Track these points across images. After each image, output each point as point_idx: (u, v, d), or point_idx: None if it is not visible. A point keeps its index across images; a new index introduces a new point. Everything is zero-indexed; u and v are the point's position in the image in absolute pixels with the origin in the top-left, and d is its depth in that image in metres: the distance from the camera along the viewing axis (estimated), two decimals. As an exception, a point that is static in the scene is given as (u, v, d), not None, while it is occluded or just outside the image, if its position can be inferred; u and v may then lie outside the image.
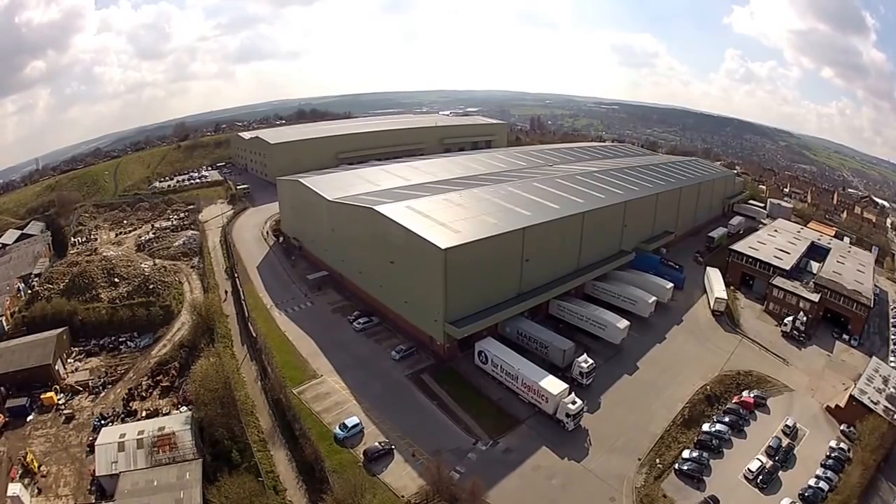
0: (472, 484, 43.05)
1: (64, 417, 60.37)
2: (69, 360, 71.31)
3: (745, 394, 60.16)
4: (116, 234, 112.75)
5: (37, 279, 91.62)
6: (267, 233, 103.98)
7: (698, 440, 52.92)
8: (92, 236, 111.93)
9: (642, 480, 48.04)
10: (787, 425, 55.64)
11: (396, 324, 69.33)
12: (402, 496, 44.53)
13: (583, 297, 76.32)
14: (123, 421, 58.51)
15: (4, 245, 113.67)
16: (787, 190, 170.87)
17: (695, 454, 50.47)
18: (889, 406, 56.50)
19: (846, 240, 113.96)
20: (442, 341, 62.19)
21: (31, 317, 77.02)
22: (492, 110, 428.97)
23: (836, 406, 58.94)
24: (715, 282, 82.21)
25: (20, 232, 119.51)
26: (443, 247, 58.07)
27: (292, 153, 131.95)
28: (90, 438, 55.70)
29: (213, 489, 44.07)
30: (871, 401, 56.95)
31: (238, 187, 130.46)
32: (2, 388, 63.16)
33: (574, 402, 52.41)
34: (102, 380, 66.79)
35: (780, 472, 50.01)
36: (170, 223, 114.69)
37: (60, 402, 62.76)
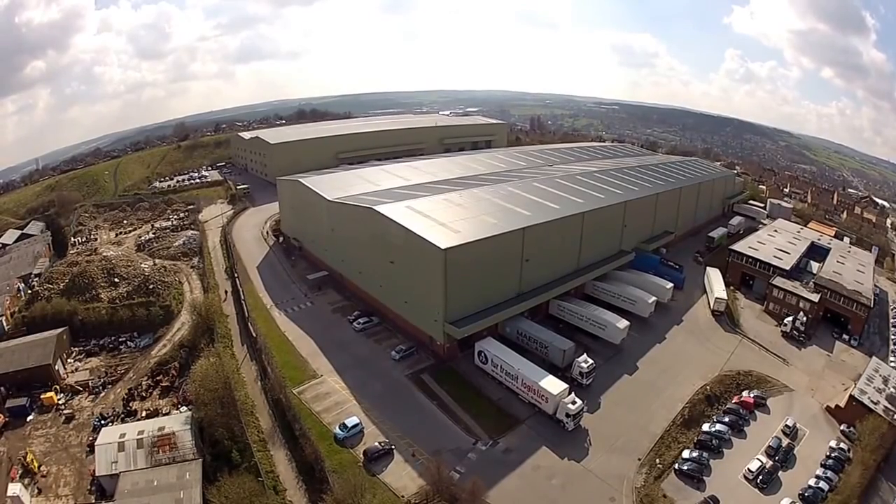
0: (472, 484, 43.03)
1: (64, 417, 60.40)
2: (69, 360, 71.34)
3: (744, 394, 60.17)
4: (116, 234, 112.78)
5: (37, 279, 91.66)
6: (267, 233, 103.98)
7: (698, 440, 52.92)
8: (92, 236, 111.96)
9: (642, 480, 48.03)
10: (787, 425, 55.65)
11: (396, 324, 69.33)
12: (402, 496, 44.52)
13: (583, 297, 76.31)
14: (123, 421, 58.52)
15: (4, 245, 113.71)
16: (787, 190, 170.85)
17: (695, 454, 50.48)
18: (889, 406, 56.49)
19: (846, 240, 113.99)
20: (442, 341, 62.18)
21: (31, 317, 77.04)
22: (492, 110, 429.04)
23: (836, 406, 58.94)
24: (715, 282, 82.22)
25: (20, 232, 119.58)
26: (443, 247, 58.07)
27: (292, 153, 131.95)
28: (90, 438, 55.72)
29: (213, 489, 44.08)
30: (871, 401, 56.94)
31: (238, 187, 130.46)
32: (2, 388, 63.19)
33: (574, 402, 52.41)
34: (102, 380, 66.81)
35: (780, 472, 50.01)
36: (170, 223, 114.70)
37: (60, 402, 62.78)
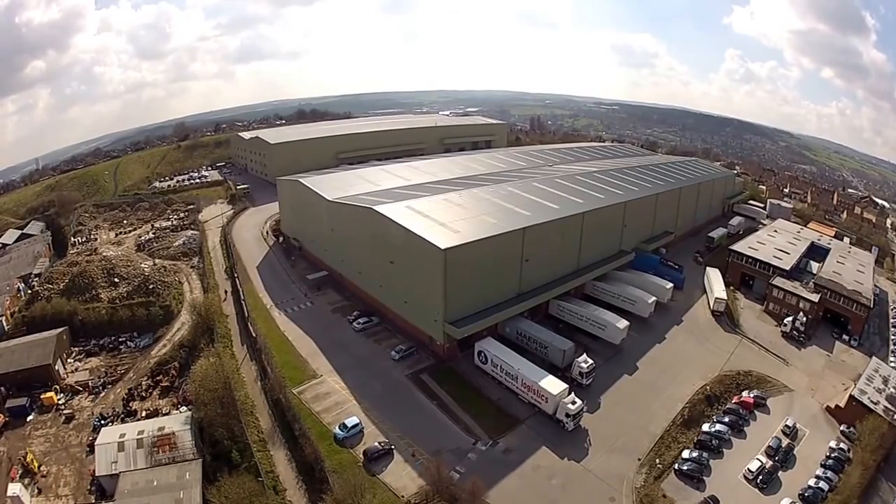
0: (471, 484, 43.04)
1: (64, 417, 60.39)
2: (69, 360, 71.34)
3: (744, 394, 60.17)
4: (116, 234, 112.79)
5: (37, 279, 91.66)
6: (267, 233, 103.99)
7: (698, 440, 52.92)
8: (92, 236, 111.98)
9: (642, 480, 48.03)
10: (786, 425, 55.65)
11: (396, 324, 69.33)
12: (402, 496, 44.52)
13: (582, 297, 76.31)
14: (123, 421, 58.52)
15: (4, 245, 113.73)
16: (786, 190, 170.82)
17: (695, 454, 50.48)
18: (889, 406, 56.50)
19: (846, 240, 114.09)
20: (442, 341, 62.18)
21: (31, 317, 77.05)
22: (492, 110, 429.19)
23: (836, 406, 58.95)
24: (715, 282, 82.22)
25: (20, 232, 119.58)
26: (442, 247, 58.07)
27: (292, 153, 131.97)
28: (90, 438, 55.71)
29: (213, 489, 44.10)
30: (871, 401, 56.95)
31: (238, 187, 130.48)
32: (2, 388, 63.19)
33: (574, 402, 52.41)
34: (102, 380, 66.81)
35: (780, 473, 50.01)
36: (170, 223, 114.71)
37: (60, 402, 62.78)
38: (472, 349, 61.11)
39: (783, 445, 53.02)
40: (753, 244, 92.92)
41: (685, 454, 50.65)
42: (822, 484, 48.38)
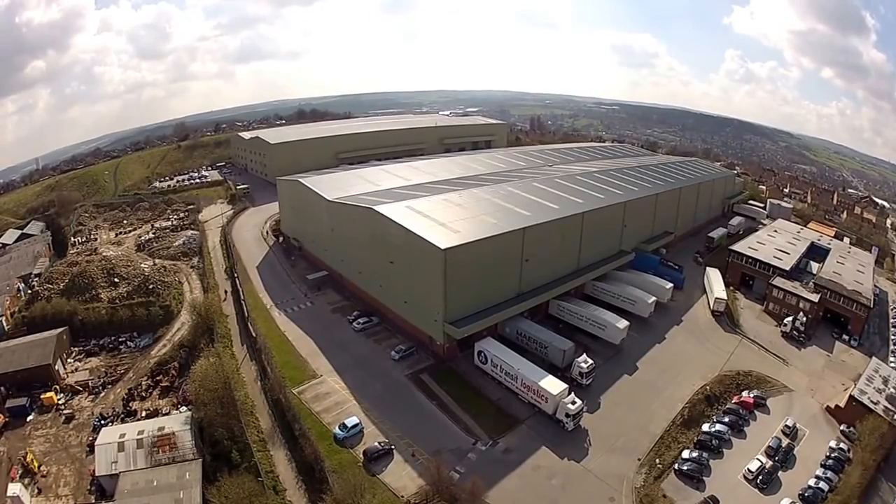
0: (471, 484, 43.04)
1: (64, 417, 60.39)
2: (69, 360, 71.33)
3: (744, 394, 60.17)
4: (116, 234, 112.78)
5: (37, 279, 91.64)
6: (267, 233, 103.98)
7: (698, 440, 52.92)
8: (92, 236, 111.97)
9: (642, 480, 48.03)
10: (786, 425, 55.65)
11: (396, 324, 69.32)
12: (402, 496, 44.52)
13: (582, 298, 76.31)
14: (123, 421, 58.52)
15: (4, 245, 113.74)
16: (786, 190, 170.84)
17: (694, 454, 50.48)
18: (889, 406, 56.50)
19: (846, 240, 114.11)
20: (441, 341, 62.18)
21: (31, 317, 77.05)
22: (492, 110, 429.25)
23: (836, 406, 58.95)
24: (715, 282, 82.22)
25: (20, 232, 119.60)
26: (442, 247, 58.08)
27: (292, 153, 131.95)
28: (90, 438, 55.71)
29: (213, 489, 44.10)
30: (871, 401, 56.95)
31: (238, 187, 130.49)
32: (2, 388, 63.18)
33: (574, 402, 52.41)
34: (102, 380, 66.81)
35: (780, 473, 50.02)
36: (170, 223, 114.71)
37: (60, 402, 62.77)
38: (472, 349, 61.10)
39: (783, 445, 53.02)
40: (753, 244, 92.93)
41: (685, 454, 50.66)
42: (822, 484, 48.39)
